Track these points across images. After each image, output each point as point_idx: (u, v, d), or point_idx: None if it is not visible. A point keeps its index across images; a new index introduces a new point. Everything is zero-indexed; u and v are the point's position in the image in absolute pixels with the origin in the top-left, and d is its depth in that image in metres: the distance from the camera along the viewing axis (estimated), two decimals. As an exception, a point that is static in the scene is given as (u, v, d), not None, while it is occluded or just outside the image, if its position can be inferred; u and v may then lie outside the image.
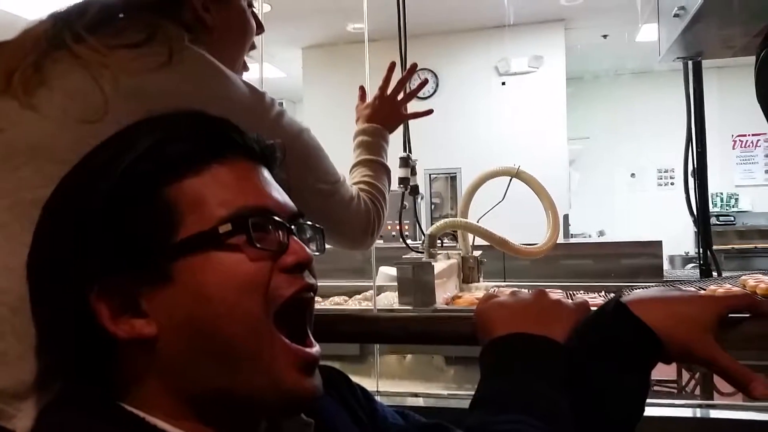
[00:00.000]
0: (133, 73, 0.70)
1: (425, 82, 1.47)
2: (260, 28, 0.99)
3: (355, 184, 1.08)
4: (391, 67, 1.27)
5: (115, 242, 0.49)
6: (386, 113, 1.24)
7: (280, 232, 0.52)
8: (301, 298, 0.53)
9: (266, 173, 0.56)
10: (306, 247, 0.53)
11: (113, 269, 0.49)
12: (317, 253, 0.57)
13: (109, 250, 0.49)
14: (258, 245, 0.50)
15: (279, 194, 0.55)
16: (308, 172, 0.90)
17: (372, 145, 1.19)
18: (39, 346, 0.55)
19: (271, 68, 6.50)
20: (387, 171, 1.18)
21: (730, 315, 0.61)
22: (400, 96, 1.27)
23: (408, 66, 2.27)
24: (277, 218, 0.53)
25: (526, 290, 0.66)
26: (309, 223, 0.58)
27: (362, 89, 1.31)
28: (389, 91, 1.26)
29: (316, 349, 0.54)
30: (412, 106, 1.45)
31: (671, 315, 0.60)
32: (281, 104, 0.91)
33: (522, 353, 0.59)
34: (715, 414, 1.31)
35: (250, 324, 0.49)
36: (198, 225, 0.50)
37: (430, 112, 1.39)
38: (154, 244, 0.49)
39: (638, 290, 0.63)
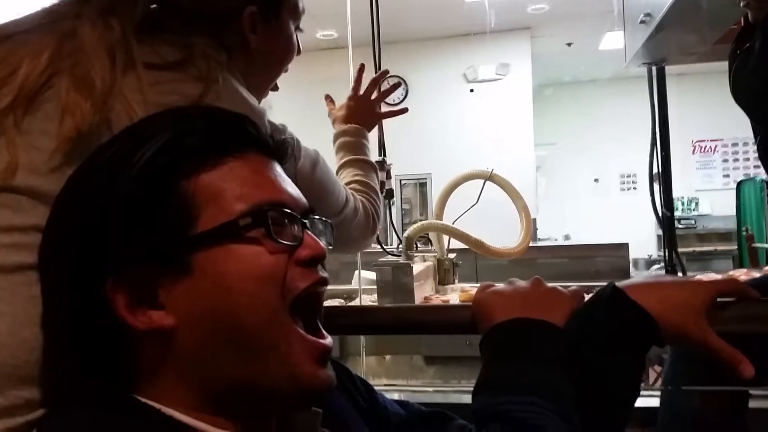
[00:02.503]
0: (161, 105, 0.65)
1: (398, 84, 1.48)
2: (299, 52, 0.95)
3: (347, 184, 1.09)
4: (361, 69, 1.28)
5: (133, 234, 0.49)
6: (362, 113, 1.25)
7: (296, 226, 0.54)
8: (315, 291, 0.54)
9: (279, 168, 0.57)
10: (319, 241, 0.55)
11: (131, 261, 0.49)
12: (330, 247, 0.58)
13: (126, 241, 0.49)
14: (277, 238, 0.51)
15: (292, 189, 0.56)
16: (321, 207, 0.88)
17: (355, 144, 1.20)
18: (49, 336, 0.54)
19: (239, 75, 6.45)
20: (375, 168, 1.20)
21: (719, 299, 0.64)
22: (374, 96, 1.27)
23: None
24: (292, 212, 0.54)
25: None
26: (318, 217, 0.59)
27: (328, 96, 1.32)
28: (362, 92, 1.26)
29: (329, 340, 0.55)
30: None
31: (665, 299, 0.62)
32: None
33: (523, 337, 0.62)
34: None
35: (269, 315, 0.50)
36: (217, 218, 0.50)
37: (405, 110, 1.41)
38: (173, 236, 0.50)
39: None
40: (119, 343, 0.50)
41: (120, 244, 0.49)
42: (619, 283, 0.64)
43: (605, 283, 0.65)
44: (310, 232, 0.55)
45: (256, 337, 0.50)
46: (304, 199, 0.57)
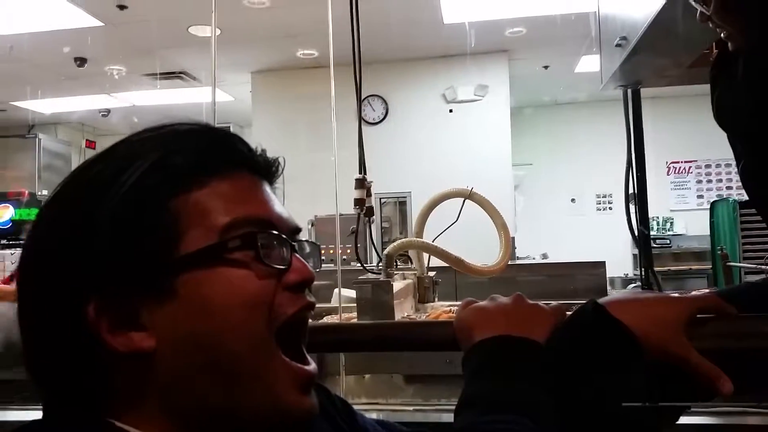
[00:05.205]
0: None
1: None
2: None
3: None
4: None
5: (118, 255, 0.48)
6: None
7: (284, 249, 0.52)
8: (302, 316, 0.53)
9: (268, 188, 0.56)
10: (308, 265, 0.54)
11: (114, 281, 0.48)
12: (317, 270, 0.57)
13: (111, 262, 0.48)
14: (266, 262, 0.50)
15: (281, 209, 0.55)
16: None
17: None
18: (29, 359, 0.53)
19: (219, 92, 6.45)
20: None
21: (698, 315, 0.64)
22: None
23: (362, 92, 2.31)
24: (281, 234, 0.53)
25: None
26: (306, 239, 0.59)
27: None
28: None
29: (313, 366, 0.54)
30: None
31: (646, 315, 0.62)
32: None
33: (505, 354, 0.61)
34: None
35: (253, 341, 0.49)
36: (204, 239, 0.49)
37: None
38: (158, 257, 0.48)
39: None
40: (98, 365, 0.49)
41: (105, 265, 0.48)
42: (601, 300, 0.64)
43: (585, 301, 0.66)
44: (298, 255, 0.54)
45: (239, 364, 0.49)
46: (292, 220, 0.56)
